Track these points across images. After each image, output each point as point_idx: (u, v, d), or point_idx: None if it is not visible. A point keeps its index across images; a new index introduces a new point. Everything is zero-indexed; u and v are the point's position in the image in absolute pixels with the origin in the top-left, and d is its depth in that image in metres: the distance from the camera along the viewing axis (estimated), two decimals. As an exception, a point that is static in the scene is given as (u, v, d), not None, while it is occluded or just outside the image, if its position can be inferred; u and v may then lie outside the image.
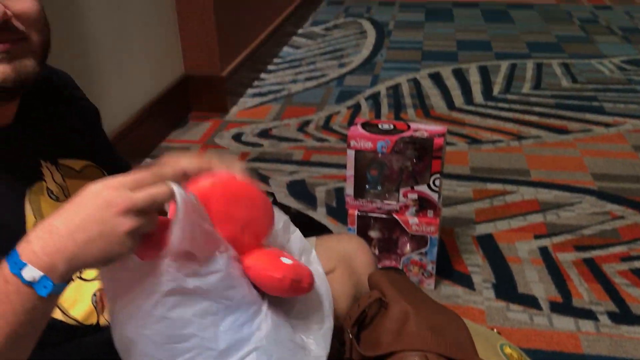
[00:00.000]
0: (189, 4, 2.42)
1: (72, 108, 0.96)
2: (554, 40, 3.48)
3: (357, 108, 2.62)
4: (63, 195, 0.85)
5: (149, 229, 0.63)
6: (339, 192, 1.96)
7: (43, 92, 0.89)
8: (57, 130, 0.90)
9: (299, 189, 1.98)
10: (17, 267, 0.60)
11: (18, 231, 0.77)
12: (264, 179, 2.05)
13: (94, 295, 0.84)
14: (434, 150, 1.36)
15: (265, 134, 2.40)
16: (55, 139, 0.89)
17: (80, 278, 0.84)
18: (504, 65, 3.08)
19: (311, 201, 1.91)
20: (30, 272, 0.60)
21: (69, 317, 0.81)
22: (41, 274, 0.60)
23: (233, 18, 2.65)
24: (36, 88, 0.82)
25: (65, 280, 0.62)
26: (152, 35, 2.28)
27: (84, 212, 0.62)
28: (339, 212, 1.84)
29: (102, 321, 0.84)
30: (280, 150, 2.26)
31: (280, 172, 2.10)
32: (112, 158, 1.03)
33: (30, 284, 0.60)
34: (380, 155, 1.41)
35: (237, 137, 2.37)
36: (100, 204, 0.61)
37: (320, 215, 1.83)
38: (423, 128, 1.41)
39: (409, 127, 1.42)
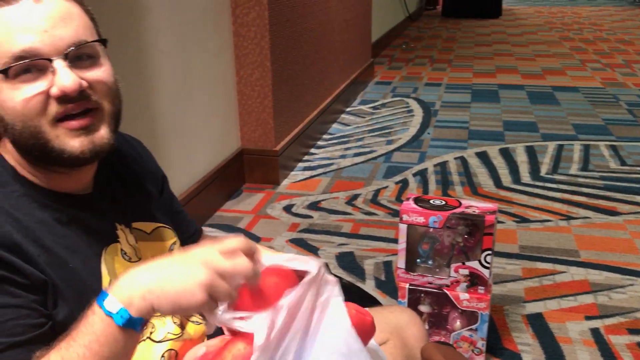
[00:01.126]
0: (249, 84, 2.58)
1: (143, 173, 1.03)
2: (601, 122, 3.52)
3: (405, 184, 2.68)
4: (135, 257, 0.92)
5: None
6: (388, 265, 1.99)
7: (118, 157, 0.97)
8: (131, 195, 0.97)
9: (348, 261, 2.03)
10: (101, 298, 0.69)
11: (95, 289, 0.84)
12: (314, 250, 2.10)
13: (162, 356, 0.89)
14: (485, 227, 1.40)
15: (314, 206, 2.48)
16: (128, 203, 0.96)
17: (150, 339, 0.90)
18: (551, 146, 3.12)
19: (360, 273, 1.95)
20: (111, 303, 0.68)
21: None
22: (120, 305, 0.67)
23: (288, 97, 2.80)
24: (111, 154, 0.88)
25: (142, 314, 0.68)
26: (213, 111, 2.43)
27: (171, 258, 0.70)
28: (387, 286, 1.87)
29: None
30: (329, 222, 2.33)
31: (329, 243, 2.16)
32: (182, 221, 1.10)
33: (110, 314, 0.67)
34: (432, 230, 1.45)
35: (287, 209, 2.45)
36: (188, 253, 0.70)
37: (368, 287, 1.86)
38: (474, 205, 1.46)
39: (460, 203, 1.47)
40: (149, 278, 0.69)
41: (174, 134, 2.12)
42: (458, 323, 1.51)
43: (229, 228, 2.29)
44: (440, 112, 3.81)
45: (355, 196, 2.57)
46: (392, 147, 3.18)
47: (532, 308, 1.75)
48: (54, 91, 0.76)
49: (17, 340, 0.73)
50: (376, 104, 4.06)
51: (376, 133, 3.42)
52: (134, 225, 0.95)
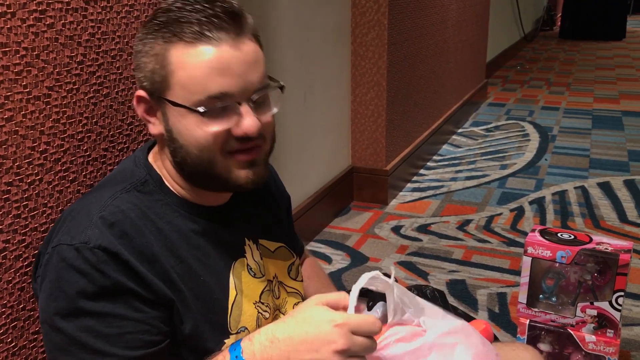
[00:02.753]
0: (363, 103, 2.59)
1: (274, 195, 1.07)
2: None
3: (520, 211, 2.57)
4: (260, 273, 0.94)
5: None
6: (502, 297, 1.91)
7: None
8: (261, 213, 1.00)
9: (460, 290, 1.96)
10: (235, 349, 0.71)
11: (221, 302, 0.86)
12: (423, 275, 2.06)
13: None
14: (619, 267, 1.30)
15: (424, 229, 2.43)
16: (257, 221, 0.98)
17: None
18: (684, 179, 2.88)
19: (472, 303, 1.88)
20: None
21: None
22: None
23: (400, 117, 2.78)
24: None
25: None
26: (328, 129, 2.45)
27: (305, 335, 0.70)
28: (501, 319, 1.79)
29: None
30: (439, 247, 2.27)
31: (440, 269, 2.10)
32: (293, 239, 1.12)
33: None
34: (558, 265, 1.37)
35: (396, 229, 2.42)
36: (322, 336, 0.69)
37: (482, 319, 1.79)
38: (606, 242, 1.36)
39: (591, 239, 1.38)
40: (281, 355, 0.70)
41: (291, 150, 2.16)
42: (581, 366, 1.41)
43: (337, 245, 2.29)
44: (559, 138, 3.64)
45: (467, 221, 2.49)
46: (506, 172, 3.07)
47: (664, 357, 1.61)
48: (238, 132, 0.80)
49: (133, 355, 0.75)
50: (489, 126, 3.94)
51: (489, 157, 3.32)
52: (260, 242, 0.97)
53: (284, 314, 0.96)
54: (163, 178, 0.87)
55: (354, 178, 2.69)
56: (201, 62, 0.77)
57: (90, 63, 0.97)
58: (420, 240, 2.33)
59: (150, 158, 0.89)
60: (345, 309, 0.71)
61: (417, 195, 2.80)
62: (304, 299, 1.01)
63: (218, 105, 0.78)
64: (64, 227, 0.79)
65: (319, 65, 2.29)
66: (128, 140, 1.08)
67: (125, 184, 0.84)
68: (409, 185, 2.92)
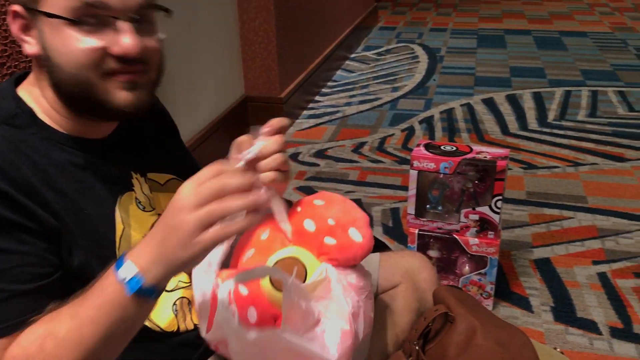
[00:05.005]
0: (252, 29, 2.52)
1: (158, 124, 1.03)
2: (609, 68, 3.46)
3: (411, 131, 2.66)
4: (149, 206, 0.92)
5: (220, 215, 0.66)
6: (395, 212, 2.00)
7: None
8: (146, 146, 0.97)
9: (356, 208, 2.03)
10: (118, 265, 0.69)
11: (107, 236, 0.84)
12: (321, 198, 2.10)
13: (174, 304, 0.90)
14: (497, 173, 1.39)
15: (321, 154, 2.46)
16: (144, 154, 0.95)
17: None
18: (558, 92, 3.09)
19: (368, 220, 1.95)
20: (126, 270, 0.68)
21: (153, 323, 0.87)
22: (134, 273, 0.68)
23: (292, 43, 2.74)
24: None
25: (157, 281, 0.68)
26: (217, 58, 2.38)
27: (163, 220, 0.69)
28: (395, 232, 1.88)
29: (182, 327, 0.90)
30: (336, 170, 2.32)
31: (337, 191, 2.15)
32: (192, 168, 1.10)
33: (123, 282, 0.68)
34: (442, 175, 1.45)
35: (294, 157, 2.44)
36: (172, 210, 0.68)
37: (377, 234, 1.87)
38: (486, 151, 1.44)
39: (471, 149, 1.45)
40: (151, 245, 0.69)
41: (178, 81, 2.08)
42: (467, 267, 1.52)
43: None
44: (446, 58, 3.75)
45: (362, 144, 2.55)
46: (397, 94, 3.14)
47: (540, 253, 1.76)
48: (117, 50, 0.76)
49: (24, 288, 0.72)
50: (380, 50, 3.99)
51: (381, 80, 3.38)
52: (149, 175, 0.94)
53: None
54: (37, 110, 0.81)
55: (249, 107, 2.65)
56: None
57: None
58: (318, 165, 2.37)
59: (23, 89, 0.83)
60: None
61: (313, 122, 2.82)
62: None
63: (94, 15, 0.74)
64: None
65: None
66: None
67: None
68: (305, 112, 2.93)
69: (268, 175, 0.79)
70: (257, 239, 0.84)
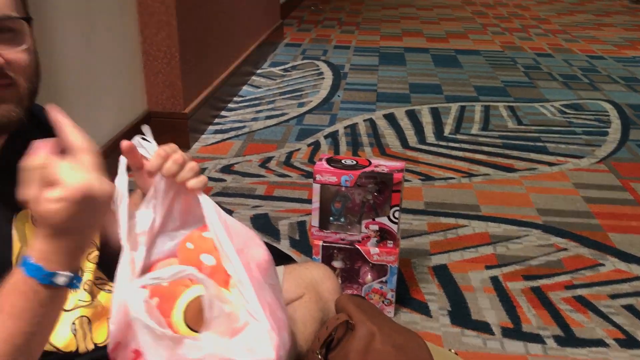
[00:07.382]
0: (154, 44, 2.49)
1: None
2: (500, 84, 3.70)
3: (317, 145, 2.72)
4: (45, 223, 0.90)
5: (50, 176, 0.65)
6: (302, 225, 2.03)
7: (28, 125, 0.94)
8: None
9: (263, 223, 2.05)
10: (23, 261, 0.67)
11: (4, 255, 0.81)
12: (228, 213, 2.09)
13: (73, 323, 0.88)
14: (394, 185, 1.46)
15: (227, 169, 2.46)
16: None
17: None
18: (454, 107, 3.26)
19: (275, 234, 1.98)
20: (24, 263, 0.66)
21: (50, 344, 0.84)
22: (32, 259, 0.65)
23: (196, 58, 2.73)
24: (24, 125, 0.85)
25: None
26: (117, 73, 2.33)
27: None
28: (302, 245, 1.91)
29: (82, 348, 0.88)
30: (243, 185, 2.33)
31: (244, 206, 2.16)
32: None
33: (30, 274, 0.65)
34: (343, 188, 1.50)
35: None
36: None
37: (284, 247, 1.90)
38: (383, 164, 1.51)
39: (370, 163, 1.51)
40: (42, 237, 0.66)
41: (75, 96, 2.02)
42: (369, 276, 1.57)
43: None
44: (350, 75, 3.87)
45: (269, 159, 2.57)
46: (303, 109, 3.20)
47: (438, 260, 1.85)
48: None
49: None
50: (287, 66, 4.04)
51: (288, 95, 3.42)
52: None
53: None
54: None
55: (153, 123, 2.61)
56: None
57: None
58: (225, 180, 2.36)
59: None
60: None
61: (219, 137, 2.81)
62: (99, 245, 0.99)
63: None
64: None
65: (99, 3, 2.14)
66: None
67: None
68: (211, 127, 2.92)
69: (201, 181, 0.85)
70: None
